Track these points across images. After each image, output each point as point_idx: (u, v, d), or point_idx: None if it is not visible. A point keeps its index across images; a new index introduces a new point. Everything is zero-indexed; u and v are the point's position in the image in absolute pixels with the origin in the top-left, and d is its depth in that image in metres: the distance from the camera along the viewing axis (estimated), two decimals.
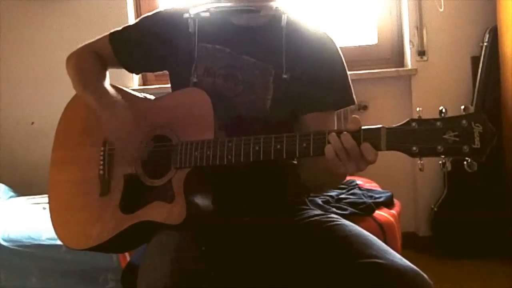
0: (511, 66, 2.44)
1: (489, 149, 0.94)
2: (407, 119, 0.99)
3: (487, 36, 2.63)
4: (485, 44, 2.64)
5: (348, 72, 1.34)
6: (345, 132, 1.03)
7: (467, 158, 0.95)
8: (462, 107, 0.96)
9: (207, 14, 1.29)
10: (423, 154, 0.97)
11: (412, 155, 0.98)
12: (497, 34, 2.56)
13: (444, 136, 0.95)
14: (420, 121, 0.98)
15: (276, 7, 1.29)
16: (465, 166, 0.95)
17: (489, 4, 2.63)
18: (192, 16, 1.29)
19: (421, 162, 0.99)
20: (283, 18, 1.28)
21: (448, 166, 0.97)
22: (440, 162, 0.98)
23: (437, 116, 0.97)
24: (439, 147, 0.95)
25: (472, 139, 0.93)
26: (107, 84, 1.37)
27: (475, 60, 2.71)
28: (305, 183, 1.31)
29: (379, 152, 1.01)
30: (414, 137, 0.97)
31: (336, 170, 1.06)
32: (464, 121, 0.94)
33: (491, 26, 2.62)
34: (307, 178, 1.30)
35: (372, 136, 1.01)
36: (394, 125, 1.00)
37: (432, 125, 0.96)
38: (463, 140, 0.94)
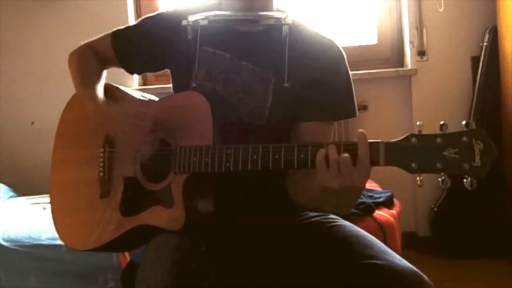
0: (511, 66, 2.44)
1: (490, 166, 0.91)
2: (407, 134, 0.97)
3: (487, 36, 2.63)
4: (485, 44, 2.64)
5: (353, 83, 1.29)
6: (343, 146, 1.00)
7: (467, 176, 0.93)
8: (464, 122, 0.94)
9: (206, 21, 1.27)
10: (422, 170, 0.95)
11: (411, 171, 0.96)
12: (497, 34, 2.56)
13: (444, 153, 0.93)
14: (420, 136, 0.96)
15: (276, 18, 1.25)
16: (465, 184, 0.93)
17: (489, 4, 2.63)
18: (190, 23, 1.28)
19: (420, 178, 0.97)
20: (283, 29, 1.25)
21: (448, 182, 0.95)
22: (439, 179, 0.95)
23: (438, 130, 0.95)
24: (438, 164, 0.94)
25: (473, 157, 0.92)
26: (102, 86, 1.36)
27: (475, 60, 2.70)
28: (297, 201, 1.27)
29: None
30: (413, 153, 0.95)
31: (326, 183, 1.01)
32: (465, 138, 0.93)
33: (491, 26, 2.62)
34: (299, 198, 1.25)
35: (371, 151, 0.99)
36: (393, 140, 0.98)
37: (432, 141, 0.94)
38: (463, 157, 0.92)
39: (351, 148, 1.00)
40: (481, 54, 2.66)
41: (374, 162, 0.99)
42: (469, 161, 0.92)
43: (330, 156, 1.00)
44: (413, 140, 0.96)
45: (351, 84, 1.29)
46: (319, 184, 1.04)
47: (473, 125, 0.93)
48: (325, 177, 1.01)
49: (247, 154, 1.10)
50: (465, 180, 0.93)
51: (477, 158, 0.92)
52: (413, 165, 0.95)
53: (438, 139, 0.94)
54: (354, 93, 1.29)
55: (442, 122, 0.95)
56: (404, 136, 0.97)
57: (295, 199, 1.25)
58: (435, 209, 2.70)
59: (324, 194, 1.08)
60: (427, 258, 2.60)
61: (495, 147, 0.92)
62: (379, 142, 0.99)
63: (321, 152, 1.01)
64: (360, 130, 1.01)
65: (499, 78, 2.55)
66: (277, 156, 1.07)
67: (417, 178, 0.97)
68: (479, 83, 2.65)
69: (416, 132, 0.96)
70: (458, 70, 2.74)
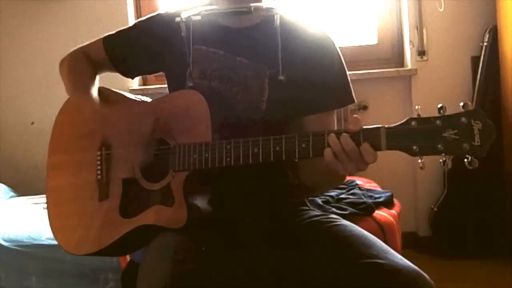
0: (511, 66, 2.44)
1: (489, 145, 0.94)
2: (406, 118, 0.99)
3: (487, 36, 2.63)
4: (485, 44, 2.64)
5: (347, 71, 1.31)
6: (344, 134, 1.02)
7: (467, 156, 0.95)
8: (461, 104, 0.96)
9: (199, 17, 1.27)
10: (424, 153, 0.97)
11: (413, 154, 0.98)
12: (497, 34, 2.56)
13: (444, 135, 0.95)
14: (419, 120, 0.98)
15: (268, 7, 1.26)
16: (466, 163, 0.95)
17: (489, 4, 2.63)
18: (183, 20, 1.28)
19: (422, 160, 0.99)
20: (275, 18, 1.25)
21: (449, 164, 0.97)
22: (441, 160, 0.98)
23: (436, 114, 0.97)
24: (439, 146, 0.95)
25: (472, 137, 0.94)
26: (95, 89, 1.37)
27: (475, 60, 2.71)
28: (305, 183, 1.31)
29: (379, 152, 1.01)
30: (414, 136, 0.97)
31: (336, 171, 1.05)
32: (463, 119, 0.95)
33: (491, 26, 2.62)
34: (307, 179, 1.29)
35: (372, 136, 1.00)
36: (393, 125, 1.00)
37: (432, 124, 0.96)
38: (463, 138, 0.94)
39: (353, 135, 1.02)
40: (481, 54, 2.66)
41: (375, 148, 1.00)
42: (469, 141, 0.94)
43: (334, 148, 1.02)
44: (413, 123, 0.98)
45: (345, 71, 1.31)
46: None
47: (470, 106, 0.95)
48: (337, 168, 1.04)
49: (247, 148, 1.10)
50: (465, 160, 0.95)
51: (477, 138, 0.94)
52: (415, 147, 0.97)
53: (438, 121, 0.96)
54: (349, 79, 1.31)
55: (440, 105, 0.97)
56: (404, 120, 0.99)
57: (304, 180, 1.29)
58: (435, 209, 2.70)
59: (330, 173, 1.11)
60: (427, 258, 2.60)
61: (493, 126, 0.94)
62: (379, 127, 1.00)
63: (327, 151, 1.03)
64: (355, 115, 1.04)
65: (499, 78, 2.55)
66: (278, 148, 1.07)
67: (419, 161, 0.99)
68: (479, 83, 2.65)
69: (415, 116, 0.98)
70: (458, 70, 2.74)
